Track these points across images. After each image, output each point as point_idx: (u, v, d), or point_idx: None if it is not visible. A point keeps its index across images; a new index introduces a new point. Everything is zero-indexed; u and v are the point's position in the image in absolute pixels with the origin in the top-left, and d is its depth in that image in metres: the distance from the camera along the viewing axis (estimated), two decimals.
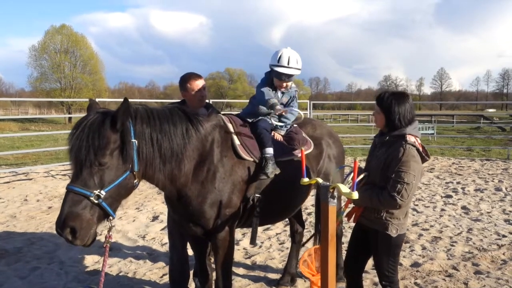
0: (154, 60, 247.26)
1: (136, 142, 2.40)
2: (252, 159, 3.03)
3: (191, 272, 3.93)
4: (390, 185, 2.57)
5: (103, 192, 2.26)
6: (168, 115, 2.63)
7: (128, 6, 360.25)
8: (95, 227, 2.30)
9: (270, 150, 3.08)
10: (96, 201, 2.24)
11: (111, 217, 2.33)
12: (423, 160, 2.71)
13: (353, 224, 3.02)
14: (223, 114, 3.25)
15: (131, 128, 2.38)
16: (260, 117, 3.32)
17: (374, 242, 2.79)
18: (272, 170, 3.01)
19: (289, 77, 3.29)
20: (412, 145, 2.64)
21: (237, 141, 3.01)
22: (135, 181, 2.43)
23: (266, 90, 3.30)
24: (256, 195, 3.04)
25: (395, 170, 2.57)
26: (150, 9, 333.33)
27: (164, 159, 2.55)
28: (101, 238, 5.35)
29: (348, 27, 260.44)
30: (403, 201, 2.55)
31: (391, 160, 2.62)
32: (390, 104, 2.67)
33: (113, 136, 2.29)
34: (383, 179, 2.64)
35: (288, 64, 3.23)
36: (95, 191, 2.23)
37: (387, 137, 2.72)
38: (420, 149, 2.69)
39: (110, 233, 2.41)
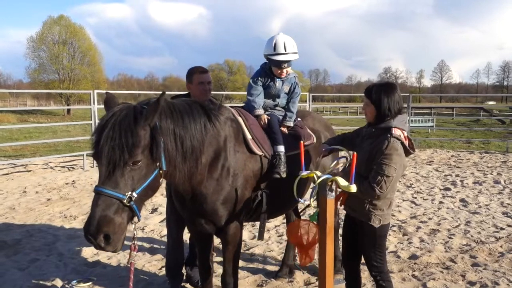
0: (153, 51, 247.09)
1: (162, 139, 2.27)
2: (262, 154, 2.99)
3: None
4: (371, 176, 2.61)
5: (134, 194, 2.14)
6: (188, 110, 2.49)
7: None
8: (126, 232, 2.17)
9: (282, 148, 3.05)
10: (128, 204, 2.12)
11: (135, 220, 2.20)
12: (408, 153, 2.72)
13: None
14: (231, 107, 3.19)
15: (157, 124, 2.25)
16: (269, 112, 3.29)
17: (360, 233, 2.82)
18: (284, 169, 2.98)
19: (288, 62, 3.25)
20: (397, 138, 2.65)
21: (248, 135, 2.95)
22: (160, 179, 2.31)
23: (252, 97, 3.27)
24: (265, 190, 2.99)
25: (378, 162, 2.60)
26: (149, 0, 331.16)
27: (185, 157, 2.42)
28: None
29: (348, 18, 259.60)
30: (382, 193, 2.59)
31: (376, 152, 2.65)
32: (380, 95, 2.69)
33: (144, 133, 2.16)
34: (368, 170, 2.67)
35: (285, 50, 3.18)
36: (127, 193, 2.11)
37: (374, 129, 2.75)
38: (406, 142, 2.70)
39: (135, 243, 2.28)
